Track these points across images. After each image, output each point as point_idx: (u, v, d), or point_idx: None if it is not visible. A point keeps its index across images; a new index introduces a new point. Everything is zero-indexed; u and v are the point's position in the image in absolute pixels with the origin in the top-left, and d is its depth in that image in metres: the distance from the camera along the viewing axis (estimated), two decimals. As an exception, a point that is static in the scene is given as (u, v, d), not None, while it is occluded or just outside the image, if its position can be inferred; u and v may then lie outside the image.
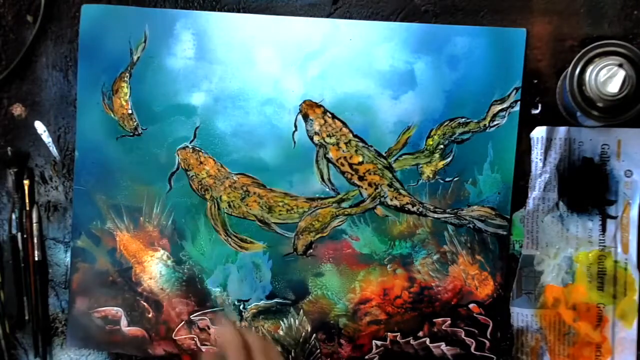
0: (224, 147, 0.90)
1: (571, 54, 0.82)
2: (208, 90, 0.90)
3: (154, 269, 0.93)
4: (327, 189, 0.89)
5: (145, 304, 0.93)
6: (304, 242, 0.90)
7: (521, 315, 0.87)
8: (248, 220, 0.91)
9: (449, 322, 0.88)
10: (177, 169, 0.91)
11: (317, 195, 0.89)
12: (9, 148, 0.94)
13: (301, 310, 0.91)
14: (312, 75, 0.88)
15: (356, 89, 0.88)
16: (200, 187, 0.91)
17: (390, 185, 0.88)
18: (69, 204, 0.94)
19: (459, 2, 0.86)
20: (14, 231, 0.95)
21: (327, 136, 0.88)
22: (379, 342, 0.90)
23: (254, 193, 0.90)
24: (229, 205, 0.91)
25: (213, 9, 0.90)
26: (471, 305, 0.88)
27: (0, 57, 0.95)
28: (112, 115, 0.91)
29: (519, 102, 0.85)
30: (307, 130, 0.88)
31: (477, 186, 0.87)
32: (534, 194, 0.85)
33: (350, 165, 0.88)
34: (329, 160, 0.88)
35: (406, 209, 0.88)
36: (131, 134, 0.91)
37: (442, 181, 0.87)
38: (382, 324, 0.89)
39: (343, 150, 0.88)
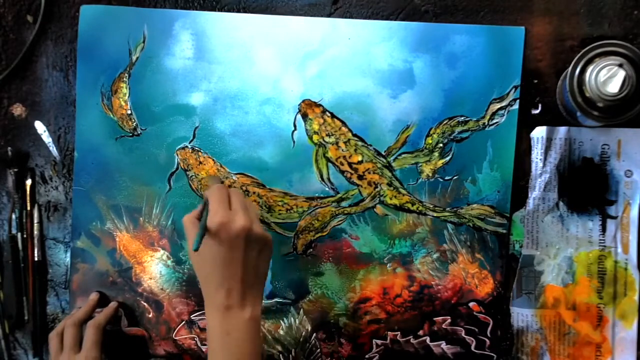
0: (223, 147, 0.90)
1: (571, 54, 0.82)
2: (207, 90, 0.90)
3: (154, 269, 0.93)
4: (327, 188, 0.89)
5: (145, 304, 0.93)
6: (304, 241, 0.90)
7: (521, 315, 0.87)
8: (248, 220, 0.91)
9: (449, 320, 0.88)
10: (177, 169, 0.91)
11: (317, 195, 0.89)
12: (9, 148, 0.94)
13: (301, 310, 0.91)
14: (311, 75, 0.88)
15: (355, 88, 0.87)
16: (199, 187, 0.91)
17: (389, 184, 0.88)
18: (69, 204, 0.94)
19: (459, 2, 0.86)
20: (13, 231, 0.95)
21: (327, 135, 0.88)
22: (379, 341, 0.90)
23: (254, 193, 0.90)
24: (229, 205, 0.91)
25: (213, 9, 0.90)
26: (471, 304, 0.88)
27: (0, 57, 0.94)
28: (112, 116, 0.91)
29: (518, 101, 0.84)
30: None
31: (477, 185, 0.87)
32: (534, 194, 0.85)
33: (350, 164, 0.88)
34: (328, 160, 0.88)
35: (406, 207, 0.88)
36: (130, 134, 0.91)
37: (441, 180, 0.87)
38: (382, 323, 0.90)
39: (342, 150, 0.88)
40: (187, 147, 0.91)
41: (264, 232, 0.75)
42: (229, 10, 0.90)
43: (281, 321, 0.91)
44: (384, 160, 0.88)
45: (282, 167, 0.89)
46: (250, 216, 0.74)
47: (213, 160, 0.90)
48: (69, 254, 0.94)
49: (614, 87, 0.73)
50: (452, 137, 0.86)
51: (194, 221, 0.76)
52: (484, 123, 0.86)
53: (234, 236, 0.72)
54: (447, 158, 0.87)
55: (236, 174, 0.90)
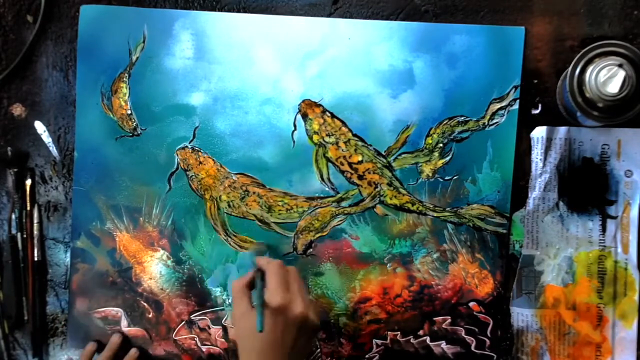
0: (223, 147, 0.90)
1: (571, 54, 0.82)
2: (207, 90, 0.90)
3: (154, 269, 0.93)
4: (327, 188, 0.89)
5: (145, 304, 0.93)
6: (304, 241, 0.90)
7: (521, 315, 0.87)
8: (248, 220, 0.91)
9: (449, 320, 0.88)
10: (177, 169, 0.91)
11: (317, 195, 0.89)
12: (9, 148, 0.94)
13: (301, 310, 0.91)
14: (311, 75, 0.88)
15: (355, 88, 0.87)
16: (199, 187, 0.91)
17: (389, 184, 0.88)
18: (68, 204, 0.94)
19: (459, 2, 0.86)
20: (13, 231, 0.95)
21: (327, 135, 0.88)
22: (379, 341, 0.90)
23: (254, 192, 0.90)
24: (229, 205, 0.90)
25: (213, 9, 0.90)
26: (471, 304, 0.88)
27: (0, 57, 0.94)
28: (112, 116, 0.91)
29: (517, 101, 0.84)
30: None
31: (477, 185, 0.87)
32: (534, 194, 0.85)
33: (350, 164, 0.88)
34: (328, 160, 0.88)
35: (406, 207, 0.88)
36: (130, 134, 0.91)
37: (441, 180, 0.87)
38: (382, 322, 0.90)
39: (342, 150, 0.88)
40: (187, 147, 0.90)
41: (317, 320, 0.76)
42: (229, 10, 0.90)
43: (281, 321, 0.91)
44: (384, 160, 0.88)
45: (282, 167, 0.89)
46: (308, 303, 0.75)
47: (213, 160, 0.90)
48: (68, 254, 0.94)
49: (614, 87, 0.73)
50: (452, 137, 0.86)
51: (244, 290, 0.76)
52: (484, 123, 0.86)
53: (290, 322, 0.73)
54: (447, 158, 0.87)
55: (236, 174, 0.90)
